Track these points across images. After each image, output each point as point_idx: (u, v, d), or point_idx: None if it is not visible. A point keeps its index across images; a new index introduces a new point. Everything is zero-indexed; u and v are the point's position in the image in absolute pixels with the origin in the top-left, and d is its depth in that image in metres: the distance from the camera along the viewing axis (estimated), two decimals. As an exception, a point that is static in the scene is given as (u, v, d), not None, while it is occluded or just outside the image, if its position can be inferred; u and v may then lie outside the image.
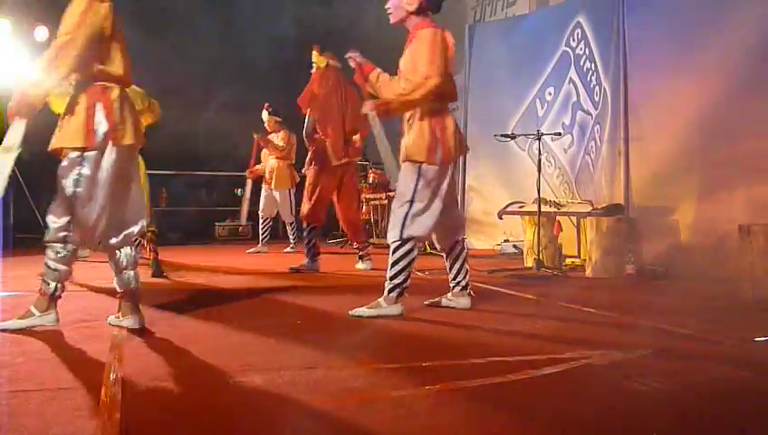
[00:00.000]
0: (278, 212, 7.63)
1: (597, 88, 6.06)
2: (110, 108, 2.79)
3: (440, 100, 3.31)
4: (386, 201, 8.15)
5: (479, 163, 7.57)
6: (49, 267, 2.81)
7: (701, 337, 2.80)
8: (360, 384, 2.10)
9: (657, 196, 5.28)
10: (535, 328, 3.05)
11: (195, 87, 8.94)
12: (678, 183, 5.04)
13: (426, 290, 3.87)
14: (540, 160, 5.29)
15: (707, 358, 2.45)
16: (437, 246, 3.59)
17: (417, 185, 3.25)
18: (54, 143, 2.82)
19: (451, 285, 3.53)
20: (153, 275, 4.71)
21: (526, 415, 1.83)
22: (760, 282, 3.69)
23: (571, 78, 6.46)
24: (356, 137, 5.33)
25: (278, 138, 7.28)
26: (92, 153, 2.77)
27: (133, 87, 3.69)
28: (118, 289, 2.95)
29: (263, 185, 7.56)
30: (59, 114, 2.90)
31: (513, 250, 6.65)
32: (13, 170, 2.93)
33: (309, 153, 5.41)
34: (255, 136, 7.18)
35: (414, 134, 3.28)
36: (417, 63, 3.19)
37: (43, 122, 3.48)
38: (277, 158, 7.32)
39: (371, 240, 8.21)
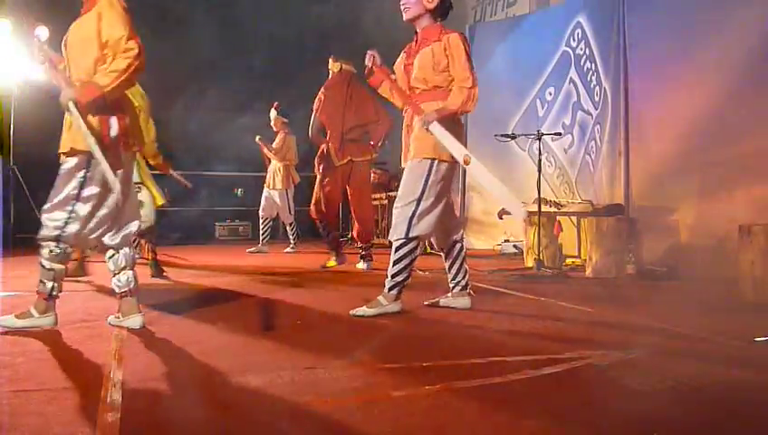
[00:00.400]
0: (278, 212, 7.64)
1: (597, 88, 6.06)
2: (123, 113, 2.83)
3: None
4: (386, 201, 8.15)
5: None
6: (44, 267, 2.81)
7: (701, 337, 2.80)
8: (360, 384, 2.10)
9: (657, 196, 5.28)
10: (535, 328, 3.05)
11: (195, 87, 8.93)
12: (678, 183, 5.04)
13: (426, 290, 3.87)
14: (540, 160, 5.29)
15: (707, 358, 2.45)
16: (436, 247, 3.59)
17: (427, 182, 3.24)
18: (65, 145, 2.82)
19: (451, 285, 3.53)
20: (153, 276, 4.71)
21: (526, 415, 1.83)
22: (760, 282, 3.69)
23: (571, 78, 6.46)
24: (370, 136, 5.42)
25: (275, 141, 7.38)
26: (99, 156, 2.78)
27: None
28: (117, 290, 2.95)
29: (264, 186, 7.59)
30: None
31: (513, 250, 6.65)
32: (12, 170, 2.94)
33: (317, 156, 5.52)
34: (257, 140, 7.32)
35: (423, 134, 3.25)
36: (458, 71, 3.24)
37: (43, 122, 3.49)
38: (278, 160, 7.37)
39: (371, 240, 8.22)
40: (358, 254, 5.60)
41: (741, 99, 4.56)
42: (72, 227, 2.78)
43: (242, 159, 8.86)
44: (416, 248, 3.28)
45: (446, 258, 3.54)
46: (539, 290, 4.19)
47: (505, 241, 6.93)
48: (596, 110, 6.07)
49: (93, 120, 2.76)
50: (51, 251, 2.79)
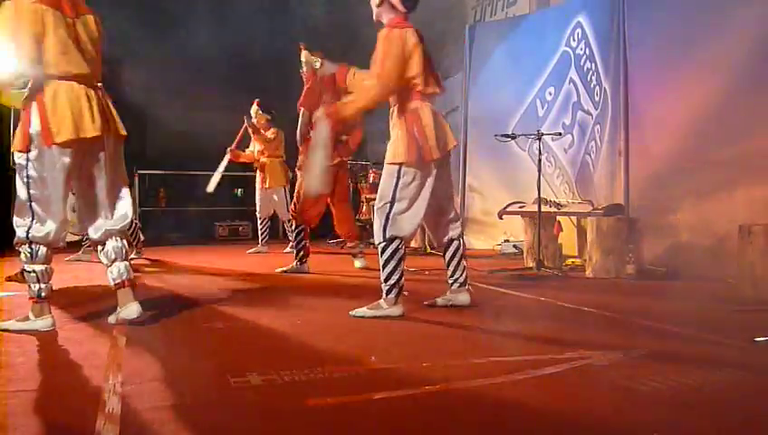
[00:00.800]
0: (274, 211, 7.61)
1: (597, 88, 6.05)
2: (43, 107, 2.79)
3: (417, 96, 3.27)
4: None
5: (479, 163, 7.58)
6: (26, 271, 2.86)
7: (701, 337, 2.80)
8: (361, 384, 2.10)
9: (657, 196, 5.28)
10: (535, 328, 3.05)
11: (195, 87, 8.93)
12: (678, 183, 5.03)
13: (425, 290, 3.87)
14: (540, 160, 5.29)
15: (707, 358, 2.45)
16: (435, 244, 3.60)
17: (396, 186, 3.25)
18: (12, 147, 2.88)
19: (449, 282, 3.53)
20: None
21: (526, 415, 1.83)
22: (760, 282, 3.69)
23: (571, 78, 6.46)
24: (344, 137, 5.32)
25: (269, 132, 7.27)
26: (32, 154, 2.79)
27: None
28: (112, 282, 2.98)
29: (257, 185, 7.53)
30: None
31: (513, 250, 6.65)
32: (12, 170, 2.95)
33: (300, 154, 5.34)
34: (246, 121, 7.15)
35: (393, 135, 3.30)
36: (373, 69, 3.24)
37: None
38: (268, 156, 7.29)
39: (371, 240, 8.22)
40: (350, 255, 5.59)
41: (741, 99, 4.55)
42: (36, 227, 2.81)
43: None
44: (399, 249, 3.27)
45: (443, 256, 3.56)
46: (539, 290, 4.19)
47: (505, 241, 6.93)
48: (596, 110, 6.07)
49: (22, 120, 2.82)
50: (26, 254, 2.83)
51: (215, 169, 7.23)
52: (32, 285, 2.84)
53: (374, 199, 7.73)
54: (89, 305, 3.56)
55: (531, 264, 5.44)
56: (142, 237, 6.35)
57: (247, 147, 7.53)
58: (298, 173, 5.39)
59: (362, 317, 3.23)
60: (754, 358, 2.49)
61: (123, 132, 3.01)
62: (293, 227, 5.42)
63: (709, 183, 4.78)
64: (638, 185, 5.47)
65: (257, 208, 7.58)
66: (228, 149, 7.29)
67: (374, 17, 3.41)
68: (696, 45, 4.98)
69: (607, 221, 4.99)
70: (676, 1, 5.32)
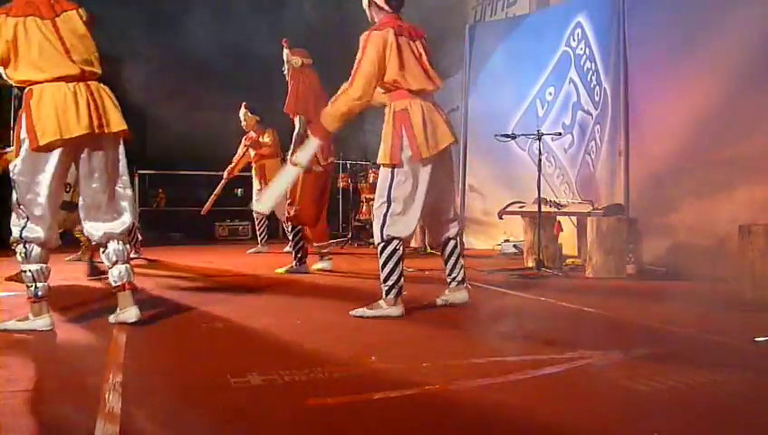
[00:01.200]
0: (272, 211, 7.58)
1: (597, 88, 6.05)
2: (29, 111, 2.79)
3: (405, 95, 3.27)
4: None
5: (479, 163, 7.58)
6: (22, 271, 2.86)
7: (701, 337, 2.80)
8: (361, 384, 2.10)
9: (657, 196, 5.27)
10: (535, 328, 3.05)
11: (194, 87, 8.93)
12: (678, 183, 5.03)
13: (425, 290, 3.87)
14: (540, 160, 5.29)
15: (707, 358, 2.45)
16: (432, 243, 3.60)
17: (390, 186, 3.26)
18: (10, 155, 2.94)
19: (448, 280, 3.54)
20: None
21: (526, 415, 1.83)
22: (760, 282, 3.69)
23: (571, 78, 6.46)
24: None
25: (264, 136, 7.24)
26: (19, 158, 2.80)
27: None
28: (113, 284, 2.97)
29: (254, 186, 7.50)
30: None
31: (513, 250, 6.64)
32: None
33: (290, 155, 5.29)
34: (245, 141, 7.17)
35: (382, 138, 3.31)
36: (352, 75, 3.24)
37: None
38: (266, 157, 7.28)
39: (371, 240, 8.21)
40: (345, 255, 5.53)
41: (741, 99, 4.55)
42: (29, 226, 2.81)
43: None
44: (398, 249, 3.27)
45: (441, 255, 3.56)
46: (539, 290, 4.19)
47: (505, 241, 6.93)
48: (596, 110, 6.07)
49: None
50: (21, 253, 2.84)
51: (215, 169, 7.23)
52: (29, 285, 2.85)
53: (374, 199, 7.72)
54: (89, 305, 3.56)
55: (531, 264, 5.44)
56: (140, 237, 6.35)
57: (235, 153, 7.48)
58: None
59: (362, 317, 3.23)
60: (754, 358, 2.49)
61: (122, 127, 2.93)
62: (290, 228, 5.39)
63: (709, 183, 4.78)
64: (638, 185, 5.47)
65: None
66: (226, 171, 7.32)
67: (369, 18, 3.42)
68: (696, 45, 4.98)
69: (607, 221, 4.99)
70: (676, 1, 5.31)
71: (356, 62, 3.23)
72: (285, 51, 5.22)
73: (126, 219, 3.03)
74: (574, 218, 5.81)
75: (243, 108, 7.32)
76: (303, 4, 8.67)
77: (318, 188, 5.24)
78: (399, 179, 3.25)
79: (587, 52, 6.21)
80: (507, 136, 5.57)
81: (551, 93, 6.75)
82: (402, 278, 3.30)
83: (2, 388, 2.02)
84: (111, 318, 2.99)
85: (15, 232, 2.83)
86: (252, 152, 7.36)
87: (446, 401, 1.93)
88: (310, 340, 2.81)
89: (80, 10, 2.97)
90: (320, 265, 5.41)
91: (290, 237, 7.47)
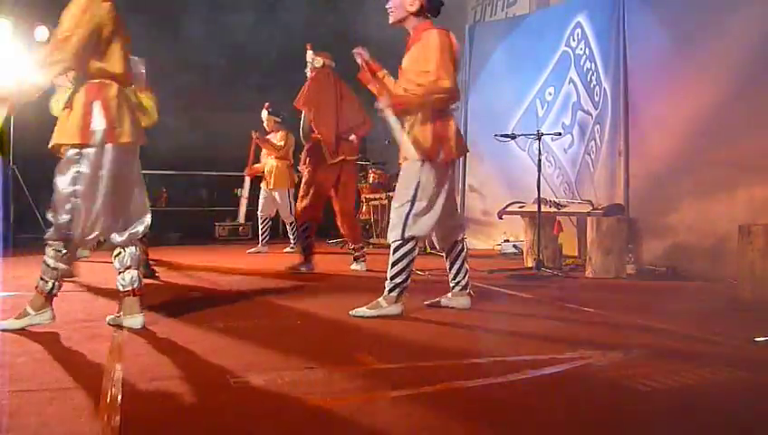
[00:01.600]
0: (277, 212, 7.64)
1: (597, 88, 6.06)
2: (108, 105, 2.79)
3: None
4: (386, 201, 8.16)
5: (479, 163, 7.58)
6: (48, 265, 2.81)
7: (701, 337, 2.80)
8: (360, 384, 2.10)
9: (657, 196, 5.28)
10: (535, 328, 3.05)
11: (195, 87, 8.94)
12: (678, 183, 5.04)
13: (426, 290, 3.87)
14: (540, 160, 5.29)
15: (707, 358, 2.45)
16: (437, 246, 3.59)
17: (419, 184, 3.25)
18: (53, 140, 2.83)
19: (451, 284, 3.53)
20: (144, 276, 4.69)
21: (526, 415, 1.83)
22: (760, 282, 3.69)
23: (571, 78, 6.46)
24: (352, 136, 5.30)
25: (276, 138, 7.31)
26: (90, 151, 2.77)
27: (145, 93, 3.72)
28: (120, 288, 2.94)
29: (261, 185, 7.57)
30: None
31: (513, 250, 6.65)
32: (12, 170, 2.94)
33: (304, 152, 5.39)
34: (254, 135, 7.21)
35: (417, 132, 3.26)
36: (427, 66, 3.18)
37: (43, 122, 3.48)
38: (276, 157, 7.34)
39: (371, 240, 8.22)
40: (351, 256, 5.57)
41: (741, 99, 4.56)
42: (77, 226, 2.78)
43: (242, 160, 8.86)
44: (413, 250, 3.27)
45: (446, 258, 3.55)
46: (539, 290, 4.19)
47: (505, 241, 6.93)
48: (596, 110, 6.07)
49: (75, 114, 2.77)
50: (58, 251, 2.79)
51: (215, 169, 7.25)
52: (48, 281, 2.80)
53: (374, 199, 7.75)
54: (90, 305, 3.56)
55: (531, 264, 5.44)
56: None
57: (258, 161, 7.58)
58: (303, 171, 5.40)
59: (362, 317, 3.23)
60: (754, 358, 2.49)
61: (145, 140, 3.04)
62: (297, 225, 5.45)
63: (709, 183, 4.78)
64: (638, 185, 5.48)
65: (260, 208, 7.59)
66: (246, 169, 7.43)
67: (395, 18, 3.35)
68: (695, 45, 4.98)
69: (607, 221, 4.99)
70: (676, 1, 5.32)
71: (437, 59, 3.15)
72: (309, 52, 5.34)
73: (147, 219, 3.01)
74: (574, 218, 5.81)
75: (265, 109, 7.40)
76: (306, 4, 8.67)
77: (323, 185, 5.29)
78: (428, 178, 3.25)
79: (587, 52, 6.21)
80: (507, 136, 5.57)
81: (551, 93, 6.75)
82: (409, 280, 3.30)
83: (3, 388, 2.01)
84: (111, 320, 2.98)
85: (59, 231, 2.76)
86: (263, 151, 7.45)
87: (446, 401, 1.93)
88: (310, 340, 2.81)
89: None
90: (355, 266, 5.45)
91: (291, 238, 7.54)
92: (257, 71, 9.09)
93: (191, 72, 8.84)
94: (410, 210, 3.24)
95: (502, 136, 5.57)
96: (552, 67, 6.74)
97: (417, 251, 3.31)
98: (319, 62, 5.27)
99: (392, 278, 3.27)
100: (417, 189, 3.25)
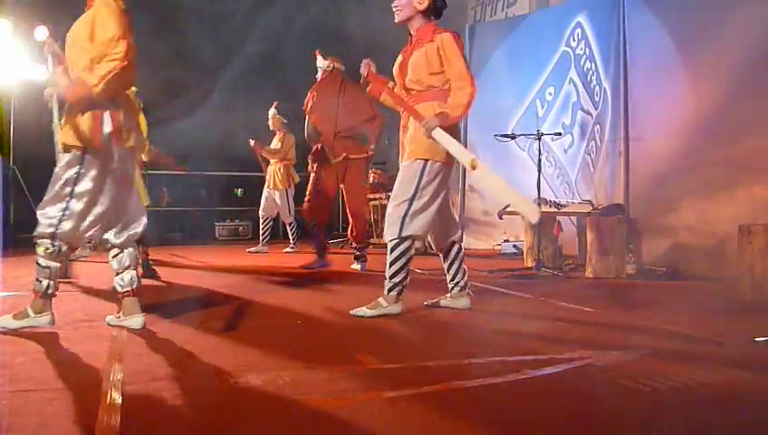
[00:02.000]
0: (278, 212, 7.65)
1: (597, 88, 6.06)
2: (117, 110, 2.82)
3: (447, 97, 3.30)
4: (386, 201, 8.15)
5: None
6: (39, 265, 2.81)
7: (701, 337, 2.80)
8: (360, 384, 2.10)
9: (657, 196, 5.28)
10: (535, 328, 3.05)
11: (195, 87, 8.93)
12: (678, 183, 5.04)
13: (425, 290, 3.87)
14: (540, 160, 5.29)
15: (707, 358, 2.45)
16: (434, 247, 3.58)
17: (420, 183, 3.24)
18: (60, 139, 2.85)
19: (450, 285, 3.53)
20: (144, 276, 4.69)
21: (526, 415, 1.83)
22: (760, 282, 3.69)
23: (571, 78, 6.46)
24: (365, 131, 5.32)
25: (276, 139, 7.34)
26: (96, 153, 2.79)
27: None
28: (119, 289, 2.95)
29: (264, 190, 7.59)
30: None
31: (513, 250, 6.65)
32: (12, 170, 2.95)
33: (310, 154, 5.49)
34: (251, 143, 7.25)
35: (419, 131, 3.24)
36: (455, 71, 3.23)
37: (43, 123, 3.48)
38: (278, 160, 7.36)
39: (371, 240, 8.22)
40: (353, 255, 5.58)
41: (741, 98, 4.56)
42: (67, 224, 2.77)
43: (242, 159, 8.86)
44: (410, 248, 3.27)
45: (444, 259, 3.54)
46: (539, 290, 4.19)
47: (505, 241, 6.93)
48: (596, 110, 6.07)
49: (84, 117, 2.77)
50: (46, 249, 2.78)
51: (215, 169, 7.27)
52: (42, 280, 2.80)
53: (374, 199, 7.74)
54: (89, 305, 3.56)
55: (531, 264, 5.44)
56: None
57: (268, 163, 7.59)
58: (311, 173, 5.45)
59: (362, 317, 3.23)
60: (754, 358, 2.49)
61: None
62: (309, 223, 5.47)
63: (709, 183, 4.78)
64: (638, 185, 5.48)
65: (261, 208, 7.61)
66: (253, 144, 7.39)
67: (401, 17, 3.34)
68: (695, 45, 4.98)
69: (607, 221, 4.99)
70: (676, 1, 5.32)
71: (459, 63, 3.22)
72: (319, 58, 5.44)
73: (144, 220, 3.04)
74: (574, 218, 5.81)
75: (273, 107, 7.41)
76: (304, 6, 8.66)
77: (327, 185, 5.35)
78: (430, 178, 3.25)
79: (587, 52, 6.21)
80: (507, 136, 5.57)
81: (551, 93, 6.75)
82: (408, 278, 3.30)
83: (2, 388, 2.02)
84: (111, 320, 2.98)
85: (47, 228, 2.76)
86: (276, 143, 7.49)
87: (446, 401, 1.93)
88: (310, 340, 2.81)
89: None
90: (356, 265, 5.47)
91: (291, 238, 7.55)
92: (260, 70, 9.08)
93: (190, 70, 8.83)
94: (409, 209, 3.23)
95: (502, 136, 5.57)
96: (552, 67, 6.74)
97: (414, 250, 3.31)
98: (329, 66, 5.37)
99: (391, 278, 3.27)
100: (417, 188, 3.24)
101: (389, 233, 3.27)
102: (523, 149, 6.73)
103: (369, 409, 1.87)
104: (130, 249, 2.97)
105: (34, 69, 5.92)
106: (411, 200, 3.24)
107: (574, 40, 6.41)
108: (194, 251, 7.43)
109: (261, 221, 7.67)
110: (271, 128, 7.45)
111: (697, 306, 3.63)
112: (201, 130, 8.75)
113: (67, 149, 2.80)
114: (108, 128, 2.78)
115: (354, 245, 5.57)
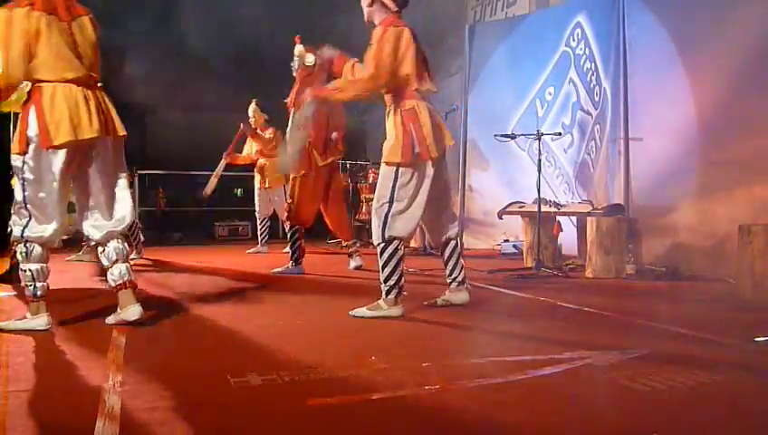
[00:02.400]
0: (274, 211, 7.60)
1: (597, 88, 6.06)
2: (41, 110, 2.78)
3: (413, 95, 3.26)
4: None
5: (479, 163, 7.58)
6: (21, 269, 2.87)
7: (701, 337, 2.80)
8: (360, 384, 2.10)
9: (657, 196, 5.28)
10: (535, 328, 3.05)
11: (196, 86, 8.94)
12: (678, 183, 5.04)
13: (424, 290, 3.87)
14: (540, 160, 5.29)
15: (707, 358, 2.45)
16: (432, 244, 3.59)
17: (394, 186, 3.24)
18: (12, 150, 2.88)
19: (448, 281, 3.54)
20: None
21: (526, 415, 1.83)
22: (760, 282, 3.69)
23: (571, 78, 6.46)
24: (334, 135, 5.21)
25: (267, 133, 7.22)
26: (29, 156, 2.80)
27: None
28: (112, 284, 2.98)
29: (256, 186, 7.51)
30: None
31: (513, 250, 6.64)
32: None
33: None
34: (242, 127, 7.10)
35: (389, 135, 3.29)
36: (365, 57, 3.24)
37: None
38: (267, 156, 7.26)
39: (371, 240, 8.21)
40: (345, 254, 5.52)
41: (741, 99, 4.55)
42: (33, 226, 2.82)
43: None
44: (398, 249, 3.27)
45: (441, 255, 3.56)
46: (539, 290, 4.19)
47: (505, 241, 6.93)
48: (596, 110, 6.07)
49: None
50: (22, 252, 2.84)
51: (215, 169, 7.21)
52: (28, 284, 2.85)
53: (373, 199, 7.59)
54: (88, 305, 3.55)
55: (531, 264, 5.44)
56: (143, 238, 6.35)
57: (242, 151, 7.49)
58: (296, 176, 5.31)
59: (362, 317, 3.23)
60: (754, 358, 2.49)
61: (123, 132, 3.01)
62: (288, 227, 5.38)
63: (709, 183, 4.78)
64: (638, 185, 5.48)
65: (256, 209, 7.57)
66: (225, 153, 7.23)
67: (365, 17, 3.40)
68: (695, 45, 4.98)
69: (607, 221, 4.99)
70: (675, 1, 5.32)
71: (372, 52, 3.19)
72: (298, 47, 5.14)
73: (127, 218, 3.04)
74: (574, 218, 5.81)
75: (254, 104, 7.30)
76: (304, 6, 8.66)
77: (317, 188, 5.22)
78: (404, 179, 3.24)
79: (587, 52, 6.21)
80: (507, 136, 5.57)
81: (550, 93, 6.75)
82: (403, 279, 3.30)
83: (2, 388, 2.02)
84: (110, 319, 2.98)
85: (17, 232, 2.83)
86: (254, 148, 7.36)
87: (446, 401, 1.93)
88: (310, 340, 2.81)
89: (91, 16, 3.00)
90: (353, 263, 5.43)
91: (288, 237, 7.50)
92: (260, 69, 9.08)
93: (191, 71, 8.84)
94: (388, 211, 3.24)
95: (502, 136, 5.56)
96: (551, 67, 6.74)
97: (403, 250, 3.30)
98: (311, 60, 5.07)
99: (385, 281, 3.27)
100: (393, 190, 3.24)
101: (375, 237, 3.30)
102: (523, 149, 6.73)
103: (370, 409, 1.87)
104: (114, 243, 2.98)
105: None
106: (390, 202, 3.24)
107: (574, 40, 6.41)
108: (193, 251, 7.43)
109: (258, 222, 7.65)
110: (254, 126, 7.35)
111: (697, 306, 3.63)
112: (202, 129, 8.76)
113: (14, 154, 2.84)
114: (33, 130, 2.77)
115: (344, 244, 5.52)
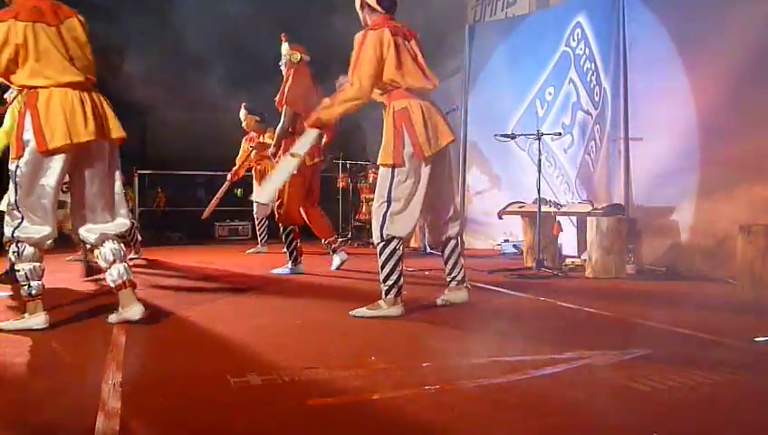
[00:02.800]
0: (273, 211, 7.57)
1: (597, 88, 6.05)
2: (36, 114, 2.79)
3: (403, 95, 3.26)
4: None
5: (479, 163, 7.58)
6: (16, 270, 2.88)
7: (701, 337, 2.80)
8: (360, 384, 2.10)
9: (657, 196, 5.28)
10: (535, 328, 3.05)
11: (196, 86, 8.92)
12: (678, 183, 5.04)
13: (425, 290, 3.87)
14: (540, 160, 5.29)
15: (707, 358, 2.45)
16: (432, 242, 3.59)
17: (391, 186, 3.25)
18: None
19: (447, 280, 3.54)
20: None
21: (526, 415, 1.83)
22: (760, 282, 3.69)
23: (571, 78, 6.46)
24: (324, 137, 5.17)
25: (265, 137, 7.17)
26: (23, 160, 2.81)
27: None
28: (112, 284, 2.98)
29: (255, 186, 7.49)
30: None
31: (513, 250, 6.64)
32: None
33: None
34: (252, 145, 7.11)
35: (383, 136, 3.30)
36: (348, 75, 3.25)
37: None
38: (266, 158, 7.23)
39: (371, 240, 8.21)
40: (329, 252, 5.46)
41: (741, 98, 4.55)
42: (25, 227, 2.82)
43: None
44: (397, 249, 3.27)
45: (441, 253, 3.56)
46: (539, 290, 4.19)
47: (505, 241, 6.93)
48: (596, 110, 6.07)
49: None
50: (14, 252, 2.85)
51: (215, 169, 7.22)
52: (23, 284, 2.86)
53: (373, 200, 7.61)
54: (88, 305, 3.55)
55: (531, 264, 5.44)
56: (140, 238, 6.35)
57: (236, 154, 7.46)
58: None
59: (362, 317, 3.23)
60: (754, 358, 2.49)
61: (121, 134, 3.00)
62: (282, 229, 5.33)
63: (709, 183, 4.78)
64: (638, 185, 5.48)
65: (254, 209, 7.57)
66: (230, 174, 7.23)
67: (361, 20, 3.42)
68: (695, 45, 4.98)
69: (607, 221, 4.99)
70: (675, 1, 5.32)
71: (353, 61, 3.23)
72: (284, 44, 5.18)
73: (123, 221, 3.05)
74: (574, 218, 5.81)
75: (242, 108, 7.28)
76: (304, 6, 8.67)
77: (304, 188, 5.18)
78: (400, 179, 3.24)
79: (587, 52, 6.21)
80: (507, 136, 5.57)
81: (550, 93, 6.75)
82: (402, 278, 3.30)
83: (2, 388, 2.02)
84: (112, 318, 2.98)
85: (8, 231, 2.84)
86: (253, 153, 7.34)
87: (445, 401, 1.93)
88: (309, 340, 2.81)
89: (79, 16, 2.99)
90: (337, 260, 5.37)
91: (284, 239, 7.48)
92: (260, 69, 9.08)
93: (191, 70, 8.83)
94: (387, 211, 3.25)
95: (502, 136, 5.56)
96: (551, 67, 6.74)
97: (402, 250, 3.30)
98: (296, 57, 5.08)
99: (384, 281, 3.27)
100: (390, 191, 3.25)
101: (374, 236, 3.31)
102: (523, 149, 6.73)
103: (369, 409, 1.87)
104: (112, 244, 2.99)
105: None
106: (388, 202, 3.25)
107: (574, 40, 6.41)
108: (193, 251, 7.43)
109: (256, 222, 7.65)
110: (246, 130, 7.32)
111: (697, 306, 3.63)
112: (201, 129, 8.75)
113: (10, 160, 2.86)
114: (28, 134, 2.78)
115: (325, 241, 5.42)
